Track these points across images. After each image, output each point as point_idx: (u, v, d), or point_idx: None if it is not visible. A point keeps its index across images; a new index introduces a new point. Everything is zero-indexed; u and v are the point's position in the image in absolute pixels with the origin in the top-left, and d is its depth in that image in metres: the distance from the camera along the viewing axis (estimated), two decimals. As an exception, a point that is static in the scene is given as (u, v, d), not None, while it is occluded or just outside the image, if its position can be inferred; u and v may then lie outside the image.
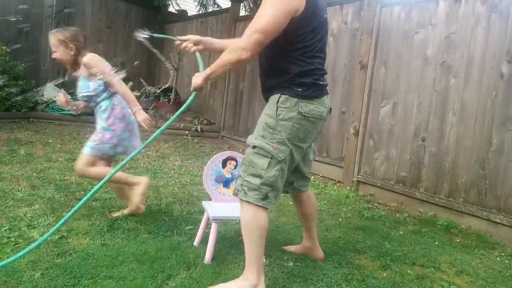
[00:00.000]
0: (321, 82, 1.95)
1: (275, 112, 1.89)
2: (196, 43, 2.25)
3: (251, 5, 8.64)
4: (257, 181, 1.88)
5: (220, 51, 2.14)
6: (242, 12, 7.23)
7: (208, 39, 2.29)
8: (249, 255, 1.95)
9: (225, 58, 1.84)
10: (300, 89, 1.88)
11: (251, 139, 1.94)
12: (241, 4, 6.98)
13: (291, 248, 2.50)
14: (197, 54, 2.26)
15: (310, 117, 1.91)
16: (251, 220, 1.92)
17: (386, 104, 3.98)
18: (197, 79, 1.98)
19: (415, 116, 3.71)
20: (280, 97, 1.89)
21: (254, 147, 1.91)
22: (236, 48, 1.80)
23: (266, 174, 1.88)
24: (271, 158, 1.88)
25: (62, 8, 7.13)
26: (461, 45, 3.39)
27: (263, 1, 1.81)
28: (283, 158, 1.89)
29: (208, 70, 1.93)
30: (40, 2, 6.99)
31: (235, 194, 2.00)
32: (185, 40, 2.25)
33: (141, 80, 7.68)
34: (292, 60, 1.89)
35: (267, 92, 2.01)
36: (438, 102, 3.53)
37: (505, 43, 3.11)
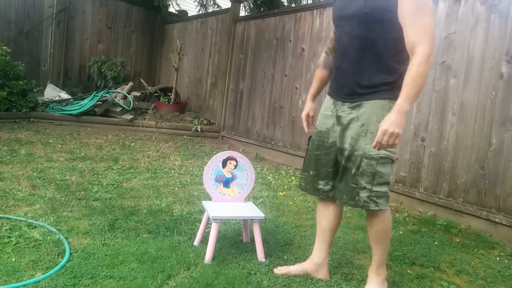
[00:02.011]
0: None
1: None
2: (309, 118, 2.24)
3: (251, 5, 8.65)
4: (385, 188, 1.89)
5: (321, 87, 2.22)
6: (242, 12, 7.24)
7: (311, 99, 2.26)
8: (384, 255, 2.05)
9: (418, 74, 1.67)
10: (399, 92, 1.76)
11: (374, 150, 1.81)
12: (241, 4, 6.98)
13: (290, 268, 2.21)
14: None
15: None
16: (388, 224, 1.99)
17: (386, 104, 3.98)
18: (396, 116, 1.67)
19: (414, 116, 3.71)
20: (389, 102, 1.82)
21: (379, 158, 1.85)
22: (425, 55, 1.67)
23: (390, 178, 1.91)
24: (392, 162, 1.89)
25: (62, 8, 7.14)
26: (461, 45, 3.40)
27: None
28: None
29: (407, 93, 1.69)
30: (40, 2, 6.99)
31: (362, 207, 1.91)
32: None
33: (141, 80, 7.69)
34: (402, 61, 1.81)
35: (361, 94, 1.88)
36: (438, 102, 3.54)
37: (505, 43, 3.12)
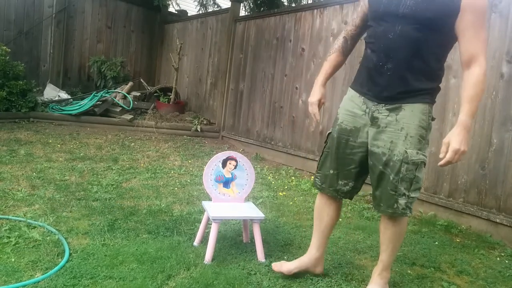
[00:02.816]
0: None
1: (428, 122, 1.85)
2: (320, 103, 2.11)
3: (251, 5, 8.65)
4: (418, 193, 1.89)
5: (333, 72, 2.16)
6: (242, 12, 7.23)
7: (323, 84, 2.14)
8: (391, 258, 2.03)
9: (480, 88, 1.71)
10: (435, 96, 1.88)
11: (415, 155, 1.81)
12: (241, 4, 6.98)
13: (288, 264, 2.16)
14: None
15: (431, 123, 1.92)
16: (405, 227, 2.00)
17: (386, 104, 3.97)
18: (465, 134, 1.70)
19: (415, 116, 3.71)
20: (429, 106, 1.84)
21: (420, 163, 1.83)
22: (484, 70, 1.70)
23: (423, 183, 1.92)
24: (424, 166, 1.87)
25: (62, 8, 7.13)
26: (461, 45, 3.39)
27: (481, 16, 1.73)
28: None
29: (471, 108, 1.70)
30: (39, 2, 6.99)
31: (401, 214, 1.87)
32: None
33: (141, 80, 7.68)
34: (443, 68, 1.88)
35: (403, 97, 1.83)
36: (438, 102, 3.49)
37: (505, 43, 3.11)
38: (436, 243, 2.90)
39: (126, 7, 8.07)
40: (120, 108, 6.47)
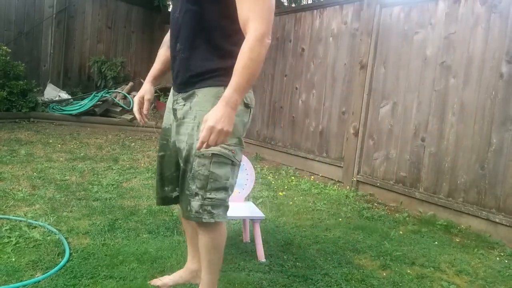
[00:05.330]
0: None
1: None
2: (143, 102, 1.81)
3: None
4: (223, 195, 1.56)
5: (163, 69, 1.82)
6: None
7: (149, 81, 1.84)
8: (212, 276, 1.70)
9: (248, 57, 1.37)
10: None
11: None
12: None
13: (166, 279, 1.96)
14: None
15: (251, 108, 1.61)
16: (221, 240, 1.65)
17: (385, 104, 3.98)
18: (225, 110, 1.35)
19: (414, 116, 3.71)
20: (224, 88, 1.42)
21: (212, 155, 1.52)
22: (259, 34, 1.37)
23: (230, 183, 1.58)
24: (232, 164, 1.56)
25: (62, 8, 7.14)
26: (461, 45, 3.39)
27: None
28: (240, 160, 1.61)
29: (237, 81, 1.38)
30: (40, 2, 6.99)
31: (196, 219, 1.56)
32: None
33: (141, 80, 7.69)
34: (236, 42, 1.46)
35: (194, 82, 1.55)
36: (438, 102, 3.54)
37: (505, 43, 3.12)
38: (436, 243, 2.90)
39: (126, 8, 8.08)
40: (120, 108, 6.48)
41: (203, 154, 1.51)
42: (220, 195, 1.55)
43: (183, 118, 1.58)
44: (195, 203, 1.54)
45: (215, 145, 1.37)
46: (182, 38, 1.56)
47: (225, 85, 1.44)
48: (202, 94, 1.54)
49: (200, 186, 1.53)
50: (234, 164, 1.57)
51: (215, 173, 1.53)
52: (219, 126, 1.34)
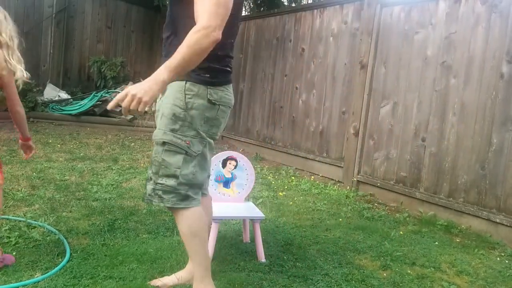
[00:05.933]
0: (229, 69, 1.75)
1: (184, 102, 1.64)
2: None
3: (251, 5, 8.64)
4: (172, 182, 1.66)
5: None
6: (242, 12, 7.22)
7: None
8: (199, 266, 1.76)
9: (186, 44, 1.45)
10: (208, 75, 1.64)
11: (158, 135, 1.67)
12: (241, 4, 6.98)
13: (166, 279, 1.97)
14: None
15: (220, 105, 1.71)
16: (197, 227, 1.71)
17: (386, 104, 3.98)
18: (146, 82, 1.47)
19: (415, 116, 3.71)
20: (187, 83, 1.62)
21: (164, 143, 1.65)
22: (200, 26, 1.46)
23: (182, 172, 1.67)
24: (186, 154, 1.66)
25: (62, 8, 7.13)
26: (461, 45, 3.39)
27: None
28: (198, 152, 1.69)
29: (170, 61, 1.47)
30: (39, 2, 6.99)
31: (148, 201, 1.71)
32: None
33: (141, 80, 7.68)
34: None
35: None
36: (438, 102, 3.53)
37: (505, 43, 3.11)
38: (436, 243, 2.89)
39: (126, 7, 8.07)
40: (120, 108, 6.46)
41: (157, 142, 1.67)
42: (169, 182, 1.66)
43: (159, 110, 1.74)
44: (149, 187, 1.70)
45: (133, 110, 1.48)
46: (163, 38, 1.75)
47: (188, 80, 1.62)
48: (169, 88, 1.65)
49: (154, 172, 1.68)
50: (188, 154, 1.67)
51: (166, 160, 1.66)
52: (139, 94, 1.45)
